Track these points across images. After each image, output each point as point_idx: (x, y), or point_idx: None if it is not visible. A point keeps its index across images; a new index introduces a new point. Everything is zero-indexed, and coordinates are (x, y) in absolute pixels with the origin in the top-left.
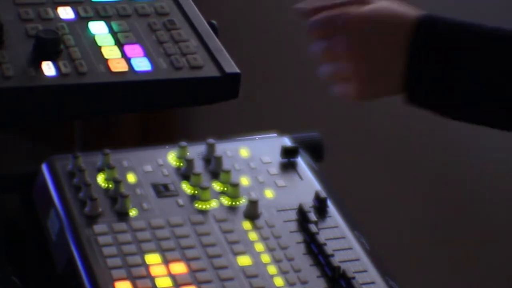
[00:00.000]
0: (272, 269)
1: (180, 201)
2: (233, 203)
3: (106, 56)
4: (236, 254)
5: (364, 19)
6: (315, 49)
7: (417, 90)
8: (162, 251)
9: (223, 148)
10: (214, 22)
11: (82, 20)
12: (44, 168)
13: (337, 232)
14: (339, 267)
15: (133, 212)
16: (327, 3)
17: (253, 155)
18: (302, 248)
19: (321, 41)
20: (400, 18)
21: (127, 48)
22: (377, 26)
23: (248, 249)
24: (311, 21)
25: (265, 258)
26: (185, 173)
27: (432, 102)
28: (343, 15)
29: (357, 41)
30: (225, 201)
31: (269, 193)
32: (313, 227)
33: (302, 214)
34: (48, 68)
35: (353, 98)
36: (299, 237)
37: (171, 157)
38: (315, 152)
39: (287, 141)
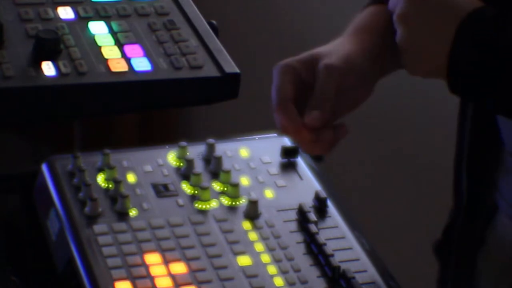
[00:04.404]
0: (272, 269)
1: (180, 201)
2: (233, 203)
3: (106, 56)
4: (236, 254)
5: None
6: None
7: (458, 76)
8: (162, 251)
9: (223, 148)
10: (214, 22)
11: (82, 20)
12: (44, 168)
13: (337, 232)
14: (339, 267)
15: (133, 212)
16: None
17: (253, 155)
18: (302, 248)
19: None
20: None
21: (127, 48)
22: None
23: (248, 249)
24: None
25: (265, 258)
26: (185, 173)
27: (473, 91)
28: None
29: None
30: (225, 201)
31: (269, 193)
32: (313, 227)
33: (302, 214)
34: (48, 68)
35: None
36: (299, 237)
37: (171, 157)
38: None
39: (287, 141)
